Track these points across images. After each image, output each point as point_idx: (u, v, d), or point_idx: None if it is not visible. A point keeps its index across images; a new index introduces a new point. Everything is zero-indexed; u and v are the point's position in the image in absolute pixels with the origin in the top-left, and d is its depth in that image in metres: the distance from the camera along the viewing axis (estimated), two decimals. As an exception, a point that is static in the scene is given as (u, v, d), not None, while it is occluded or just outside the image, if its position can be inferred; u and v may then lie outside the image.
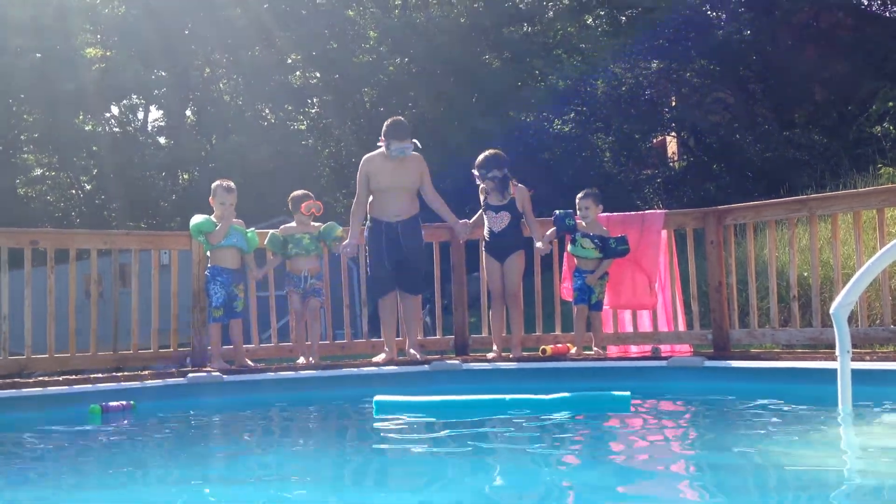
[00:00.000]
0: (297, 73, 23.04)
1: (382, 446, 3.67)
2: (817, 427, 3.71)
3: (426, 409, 4.35)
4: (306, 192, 6.36)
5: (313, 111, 23.31)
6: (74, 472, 3.14)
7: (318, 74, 22.16)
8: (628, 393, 4.28)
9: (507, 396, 4.32)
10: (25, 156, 23.95)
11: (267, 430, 4.45)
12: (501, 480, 2.80)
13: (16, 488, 2.84)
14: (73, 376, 5.88)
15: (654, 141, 20.74)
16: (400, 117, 6.46)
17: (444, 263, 6.76)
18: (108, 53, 22.20)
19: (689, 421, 4.31)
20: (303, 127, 23.60)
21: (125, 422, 4.55)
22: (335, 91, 21.04)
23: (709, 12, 19.14)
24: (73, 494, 2.76)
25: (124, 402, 4.81)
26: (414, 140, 6.20)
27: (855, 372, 3.74)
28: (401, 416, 4.23)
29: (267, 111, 23.68)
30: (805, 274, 6.63)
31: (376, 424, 4.09)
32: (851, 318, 4.07)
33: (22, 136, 23.01)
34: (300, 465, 3.23)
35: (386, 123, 6.26)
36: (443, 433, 3.84)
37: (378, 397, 4.38)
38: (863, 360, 4.77)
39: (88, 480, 2.99)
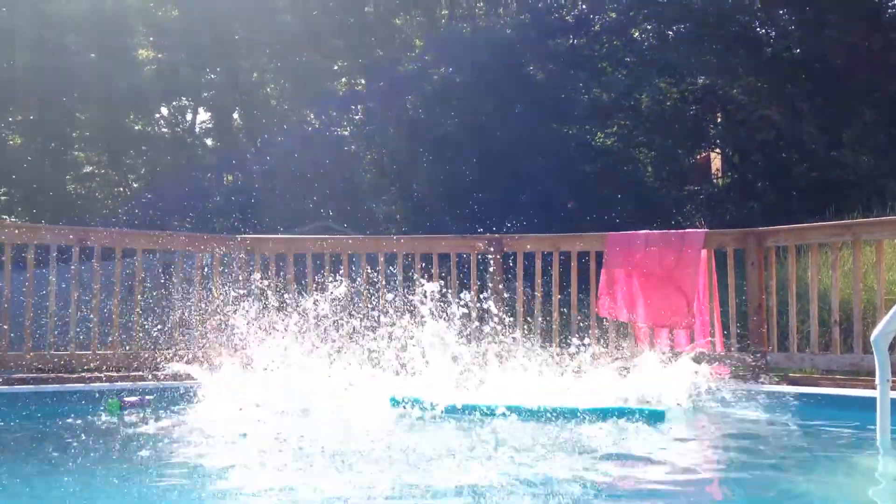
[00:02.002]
0: (343, 79, 23.28)
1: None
2: (851, 457, 3.66)
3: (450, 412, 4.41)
4: None
5: (357, 117, 23.53)
6: None
7: (363, 81, 22.37)
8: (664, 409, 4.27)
9: (541, 405, 4.30)
10: (76, 153, 24.53)
11: None
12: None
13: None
14: (116, 373, 6.02)
15: (698, 157, 20.55)
16: None
17: (480, 273, 6.78)
18: (160, 55, 22.66)
19: (721, 443, 4.27)
20: (346, 133, 23.83)
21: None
22: (379, 98, 21.21)
23: (758, 29, 18.93)
24: None
25: (142, 397, 4.87)
26: None
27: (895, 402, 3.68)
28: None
29: (311, 116, 23.96)
30: (847, 299, 6.52)
31: None
32: (893, 347, 4.01)
33: (74, 134, 23.58)
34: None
35: None
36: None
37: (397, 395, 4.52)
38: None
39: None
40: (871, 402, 3.73)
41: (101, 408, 4.58)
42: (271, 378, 4.73)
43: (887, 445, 3.54)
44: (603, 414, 4.28)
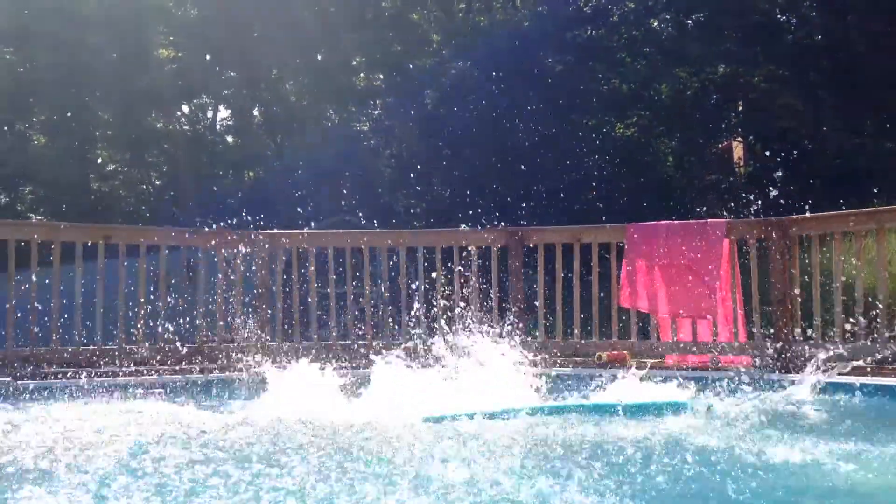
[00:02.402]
0: (361, 74, 23.32)
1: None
2: (881, 445, 3.61)
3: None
4: None
5: (376, 112, 23.58)
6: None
7: (381, 76, 22.41)
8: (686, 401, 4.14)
9: (568, 402, 4.11)
10: (99, 152, 24.78)
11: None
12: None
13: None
14: (141, 367, 6.10)
15: (720, 146, 20.39)
16: None
17: (501, 266, 6.79)
18: (179, 54, 22.82)
19: (744, 435, 4.23)
20: (365, 128, 23.89)
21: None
22: (398, 93, 21.25)
23: (779, 16, 18.73)
24: None
25: None
26: None
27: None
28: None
29: (331, 112, 24.04)
30: (872, 287, 6.46)
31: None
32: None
33: (96, 133, 23.81)
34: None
35: None
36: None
37: None
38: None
39: None
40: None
41: None
42: None
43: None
44: (643, 409, 4.06)
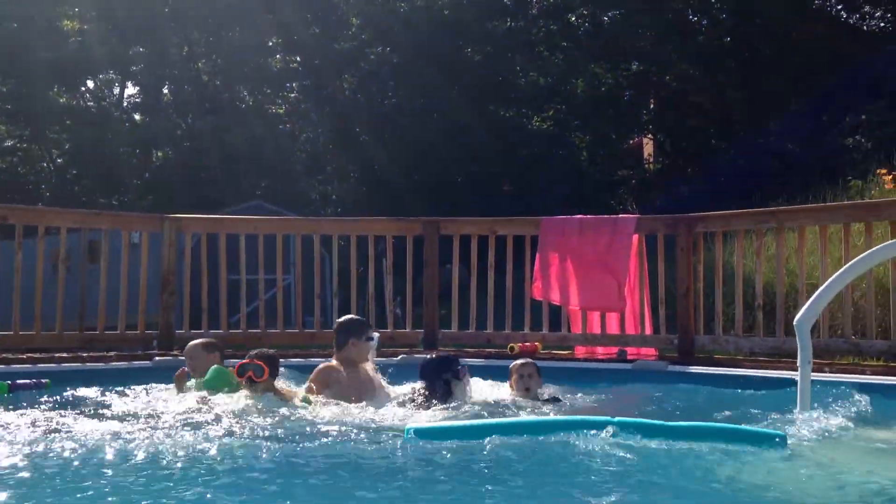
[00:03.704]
0: (277, 56, 22.84)
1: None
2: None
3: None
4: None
5: (292, 96, 23.15)
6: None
7: (298, 59, 21.99)
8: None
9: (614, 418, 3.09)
10: (-4, 126, 23.55)
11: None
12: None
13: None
14: (38, 354, 5.83)
15: (631, 142, 20.91)
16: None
17: (416, 256, 6.77)
18: (85, 27, 21.83)
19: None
20: (281, 111, 23.44)
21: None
22: (315, 76, 20.92)
23: (691, 17, 19.30)
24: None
25: (37, 380, 4.67)
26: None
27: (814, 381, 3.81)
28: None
29: (245, 93, 23.48)
30: (771, 283, 6.73)
31: None
32: (813, 329, 4.15)
33: (-7, 106, 22.60)
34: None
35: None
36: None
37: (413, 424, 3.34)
38: (822, 371, 4.87)
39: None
40: (792, 382, 3.86)
41: None
42: None
43: (805, 420, 3.66)
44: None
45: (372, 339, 4.58)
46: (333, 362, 4.54)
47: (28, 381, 4.59)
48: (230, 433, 3.39)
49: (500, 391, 4.66)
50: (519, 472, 2.82)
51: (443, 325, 6.83)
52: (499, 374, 4.89)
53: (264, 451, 2.99)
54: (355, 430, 3.53)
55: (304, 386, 4.48)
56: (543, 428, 3.22)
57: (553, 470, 2.86)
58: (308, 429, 3.57)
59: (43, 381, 4.64)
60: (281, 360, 5.77)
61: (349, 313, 6.25)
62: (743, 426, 3.33)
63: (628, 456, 2.84)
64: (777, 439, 3.04)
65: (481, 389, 4.61)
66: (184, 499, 2.46)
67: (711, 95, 17.98)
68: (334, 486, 2.71)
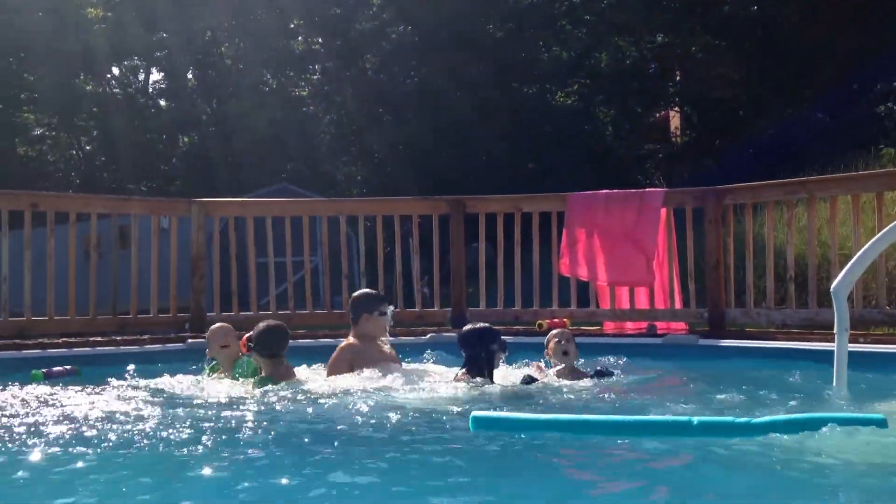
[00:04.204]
0: (300, 38, 22.84)
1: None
2: (808, 409, 3.73)
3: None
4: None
5: (315, 77, 23.15)
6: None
7: (320, 40, 21.97)
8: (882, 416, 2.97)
9: (693, 419, 2.88)
10: (26, 115, 23.81)
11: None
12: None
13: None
14: (73, 339, 5.92)
15: (658, 116, 20.67)
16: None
17: (442, 235, 6.77)
18: (109, 14, 21.97)
19: (677, 399, 4.31)
20: (304, 93, 23.46)
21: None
22: (337, 57, 20.89)
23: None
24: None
25: (67, 367, 4.74)
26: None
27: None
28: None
29: (269, 76, 23.52)
30: (802, 255, 6.65)
31: None
32: (848, 300, 4.09)
33: (22, 95, 22.85)
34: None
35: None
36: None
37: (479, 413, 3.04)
38: (857, 341, 4.81)
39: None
40: (826, 354, 3.81)
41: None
42: None
43: (843, 393, 3.62)
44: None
45: (385, 313, 4.47)
46: (351, 340, 4.47)
47: (60, 368, 4.68)
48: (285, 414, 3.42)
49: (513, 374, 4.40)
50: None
51: (471, 304, 6.84)
52: (527, 352, 4.88)
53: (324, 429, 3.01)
54: (413, 413, 3.46)
55: (316, 366, 4.47)
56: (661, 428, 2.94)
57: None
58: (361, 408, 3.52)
59: (73, 367, 4.74)
60: (310, 340, 5.85)
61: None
62: (840, 413, 3.13)
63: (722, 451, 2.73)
64: (877, 423, 2.82)
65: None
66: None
67: (739, 66, 17.69)
68: (400, 469, 2.67)
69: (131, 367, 4.62)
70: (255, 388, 3.99)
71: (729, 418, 2.89)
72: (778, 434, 2.80)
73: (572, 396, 3.98)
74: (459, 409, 3.46)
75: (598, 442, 2.91)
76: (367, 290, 4.87)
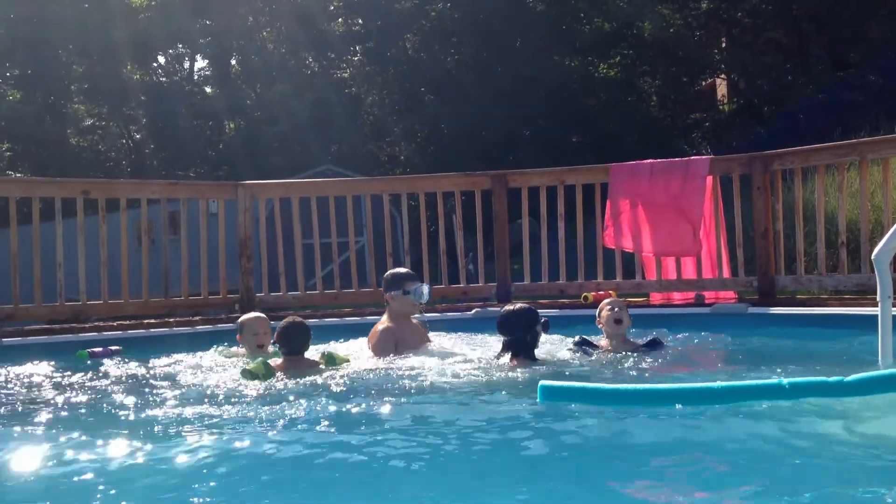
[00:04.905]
0: (340, 20, 22.90)
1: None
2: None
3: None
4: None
5: (356, 59, 23.21)
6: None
7: (360, 21, 21.99)
8: None
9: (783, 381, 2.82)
10: (76, 106, 24.36)
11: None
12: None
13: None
14: (127, 321, 6.08)
15: (703, 84, 20.28)
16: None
17: (486, 211, 6.76)
18: (153, 3, 22.30)
19: (725, 368, 4.27)
20: (346, 75, 23.54)
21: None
22: (378, 38, 20.90)
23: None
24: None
25: (112, 348, 4.87)
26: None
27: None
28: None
29: (310, 59, 23.64)
30: (854, 219, 6.48)
31: None
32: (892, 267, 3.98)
33: (72, 87, 23.37)
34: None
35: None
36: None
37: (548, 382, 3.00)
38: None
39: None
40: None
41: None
42: None
43: (889, 362, 3.53)
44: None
45: (409, 292, 4.39)
46: (385, 321, 4.43)
47: (102, 349, 4.83)
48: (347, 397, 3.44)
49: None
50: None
51: (516, 279, 6.83)
52: (575, 326, 4.85)
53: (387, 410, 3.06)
54: (475, 391, 3.43)
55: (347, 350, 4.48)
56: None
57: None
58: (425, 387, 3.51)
59: (116, 347, 4.88)
60: (357, 318, 5.91)
61: (422, 271, 6.34)
62: None
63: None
64: None
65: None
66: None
67: (786, 29, 17.24)
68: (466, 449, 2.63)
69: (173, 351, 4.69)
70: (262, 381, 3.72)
71: (820, 378, 2.80)
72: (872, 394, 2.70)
73: (628, 366, 3.92)
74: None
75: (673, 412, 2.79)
76: (394, 269, 4.76)
